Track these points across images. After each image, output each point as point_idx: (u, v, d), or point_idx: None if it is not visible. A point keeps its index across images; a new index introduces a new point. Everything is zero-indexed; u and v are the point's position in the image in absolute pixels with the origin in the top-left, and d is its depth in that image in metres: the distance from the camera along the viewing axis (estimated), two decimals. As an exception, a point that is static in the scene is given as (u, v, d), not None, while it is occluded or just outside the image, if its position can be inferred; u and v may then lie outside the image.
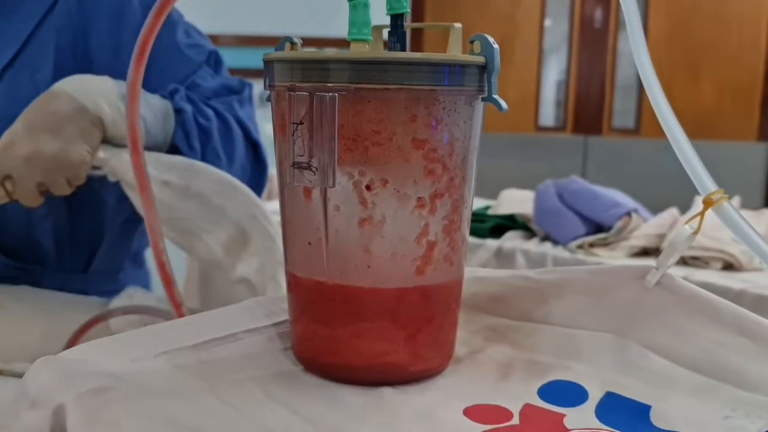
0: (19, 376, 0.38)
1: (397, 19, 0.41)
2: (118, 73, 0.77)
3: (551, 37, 3.70)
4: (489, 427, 0.36)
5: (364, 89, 0.36)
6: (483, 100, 0.40)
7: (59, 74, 0.74)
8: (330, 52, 0.37)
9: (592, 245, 1.54)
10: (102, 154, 0.69)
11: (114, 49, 0.80)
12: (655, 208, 1.68)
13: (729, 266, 1.39)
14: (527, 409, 0.38)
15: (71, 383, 0.33)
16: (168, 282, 0.56)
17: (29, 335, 0.72)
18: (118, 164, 0.69)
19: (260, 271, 0.70)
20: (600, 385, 0.41)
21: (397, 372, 0.40)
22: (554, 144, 3.58)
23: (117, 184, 0.70)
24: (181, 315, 0.56)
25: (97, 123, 0.69)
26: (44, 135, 0.67)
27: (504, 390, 0.40)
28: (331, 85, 0.36)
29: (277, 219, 0.51)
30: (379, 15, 0.42)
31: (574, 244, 1.55)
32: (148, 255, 0.96)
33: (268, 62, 0.40)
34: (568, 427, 0.37)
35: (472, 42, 0.39)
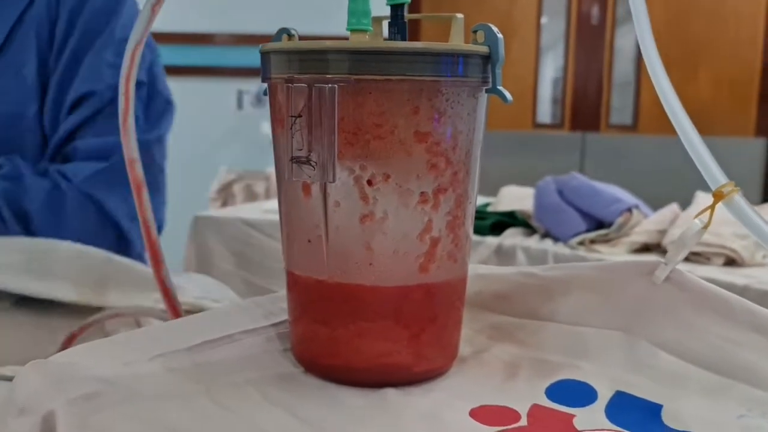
0: (10, 380, 0.37)
1: (397, 9, 0.40)
2: (80, 69, 0.74)
3: (548, 34, 3.69)
4: (496, 429, 0.35)
5: (364, 80, 0.35)
6: (487, 91, 0.39)
7: (43, 68, 0.73)
8: (329, 42, 0.35)
9: (593, 241, 1.53)
10: None
11: (85, 41, 0.78)
12: (653, 205, 1.67)
13: (731, 262, 1.38)
14: (535, 410, 0.37)
15: (61, 388, 0.32)
16: (162, 282, 0.55)
17: (21, 337, 0.71)
18: None
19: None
20: (609, 384, 0.40)
21: (400, 373, 0.39)
22: (552, 141, 3.57)
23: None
24: (177, 316, 0.55)
25: None
26: None
27: (511, 390, 0.39)
28: (330, 76, 0.35)
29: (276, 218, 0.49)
30: (379, 7, 0.40)
31: (574, 240, 1.54)
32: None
33: (264, 53, 0.38)
34: (578, 428, 0.35)
35: (475, 31, 0.38)
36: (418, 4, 3.44)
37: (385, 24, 0.42)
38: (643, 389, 0.39)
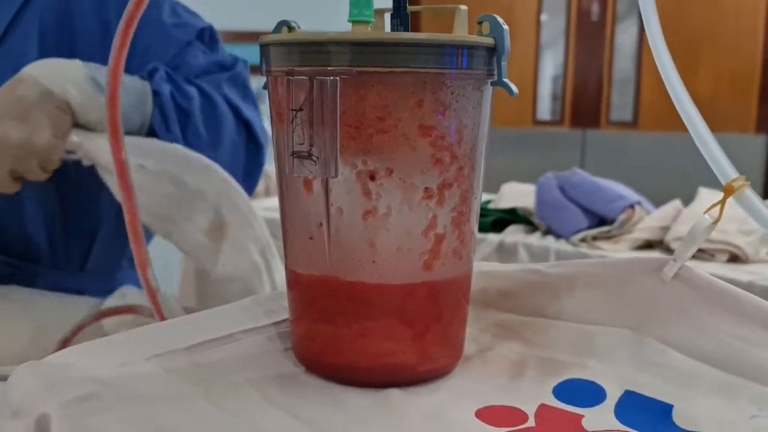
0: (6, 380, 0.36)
1: (399, 1, 0.39)
2: (104, 57, 0.75)
3: (548, 31, 3.68)
4: (503, 430, 0.34)
5: (367, 73, 0.34)
6: (492, 84, 0.38)
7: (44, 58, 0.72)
8: (330, 33, 0.34)
9: (595, 238, 1.53)
10: (75, 138, 0.68)
11: (99, 31, 0.78)
12: (654, 201, 1.66)
13: (735, 258, 1.37)
14: (543, 410, 0.36)
15: (56, 390, 0.31)
16: (144, 270, 0.54)
17: (18, 337, 0.70)
18: (91, 148, 0.67)
19: (243, 265, 0.68)
20: (618, 383, 0.39)
21: (405, 372, 0.38)
22: (552, 138, 3.56)
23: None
24: (162, 316, 0.54)
25: (65, 107, 0.67)
26: (10, 122, 0.65)
27: (517, 390, 0.38)
28: (332, 68, 0.34)
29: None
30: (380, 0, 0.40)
31: (576, 237, 1.53)
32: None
33: (264, 46, 0.37)
34: (587, 428, 0.35)
35: (480, 22, 0.37)
36: (418, 4, 3.43)
37: (387, 17, 0.41)
38: (652, 389, 0.38)
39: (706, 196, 1.52)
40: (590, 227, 1.55)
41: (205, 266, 0.69)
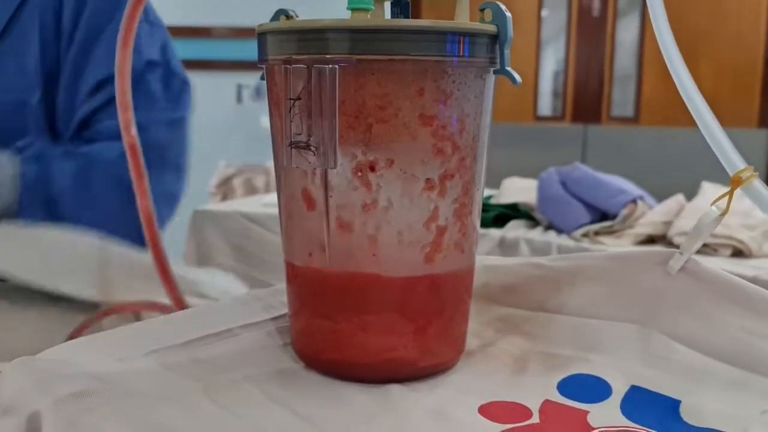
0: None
1: (400, -12, 0.38)
2: (95, 54, 0.74)
3: (549, 26, 3.67)
4: (507, 426, 0.33)
5: (366, 61, 0.33)
6: (495, 72, 0.37)
7: (45, 57, 0.72)
8: (329, 20, 0.34)
9: (597, 233, 1.52)
10: None
11: (94, 29, 0.78)
12: (655, 196, 1.65)
13: (738, 253, 1.36)
14: (547, 406, 0.35)
15: (49, 387, 0.30)
16: (164, 271, 0.53)
17: (20, 334, 0.69)
18: None
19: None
20: (623, 378, 0.38)
21: (406, 368, 0.37)
22: (553, 133, 3.55)
23: None
24: (181, 308, 0.53)
25: None
26: None
27: (521, 385, 0.38)
28: (330, 56, 0.33)
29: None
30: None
31: (578, 232, 1.52)
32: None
33: (261, 34, 0.36)
34: (593, 424, 0.34)
35: (482, 10, 0.36)
36: (418, -2, 3.42)
37: (387, 6, 0.40)
38: (659, 384, 0.37)
39: (710, 190, 1.51)
40: (592, 222, 1.54)
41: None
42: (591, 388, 0.37)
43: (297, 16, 0.39)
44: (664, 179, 2.11)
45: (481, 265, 0.47)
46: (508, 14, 0.36)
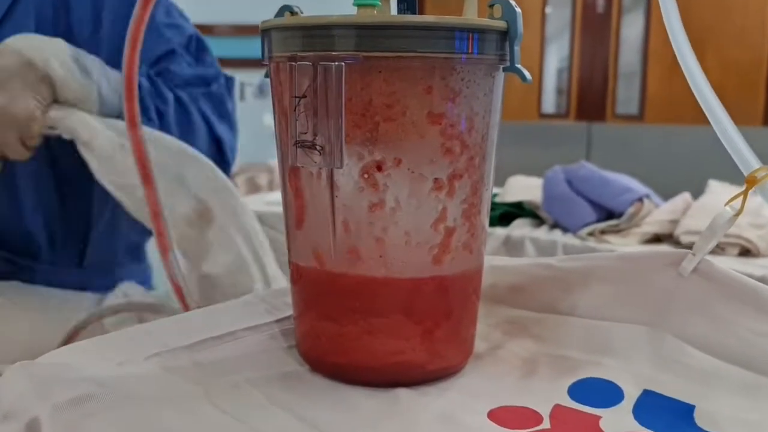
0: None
1: (406, -16, 0.37)
2: (98, 48, 0.74)
3: (553, 23, 3.65)
4: (518, 431, 0.32)
5: (373, 58, 0.32)
6: (505, 70, 0.36)
7: None
8: (335, 16, 0.33)
9: (603, 232, 1.51)
10: (54, 113, 0.67)
11: (93, 23, 0.77)
12: (660, 194, 1.64)
13: (746, 252, 1.35)
14: (558, 411, 0.35)
15: (48, 392, 0.30)
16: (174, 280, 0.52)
17: (18, 335, 0.69)
18: (72, 122, 0.66)
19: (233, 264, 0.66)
20: (636, 382, 0.37)
21: (413, 371, 0.37)
22: (557, 131, 3.54)
23: None
24: (187, 309, 0.52)
25: (46, 80, 0.66)
26: None
27: (531, 389, 0.37)
28: (336, 53, 0.32)
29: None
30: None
31: (584, 231, 1.51)
32: (150, 249, 0.93)
33: (265, 31, 0.36)
34: (605, 430, 0.33)
35: (491, 6, 0.35)
36: (422, -6, 3.40)
37: (394, 2, 0.40)
38: (672, 388, 0.37)
39: (717, 188, 1.50)
40: (598, 221, 1.53)
41: (190, 260, 0.68)
42: (602, 393, 0.37)
43: (302, 12, 0.38)
44: (669, 177, 2.10)
45: (488, 266, 0.46)
46: (518, 10, 0.35)
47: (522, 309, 0.46)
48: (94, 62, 0.70)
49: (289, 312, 0.42)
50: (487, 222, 0.39)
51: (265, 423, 0.32)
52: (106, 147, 0.64)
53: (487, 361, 0.40)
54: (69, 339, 0.66)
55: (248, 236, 0.70)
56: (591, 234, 1.51)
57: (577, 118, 3.62)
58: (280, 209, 0.40)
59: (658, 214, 1.48)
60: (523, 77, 0.35)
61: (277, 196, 1.94)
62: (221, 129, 0.81)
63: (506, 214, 1.70)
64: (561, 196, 1.55)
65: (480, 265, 0.39)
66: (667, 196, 1.60)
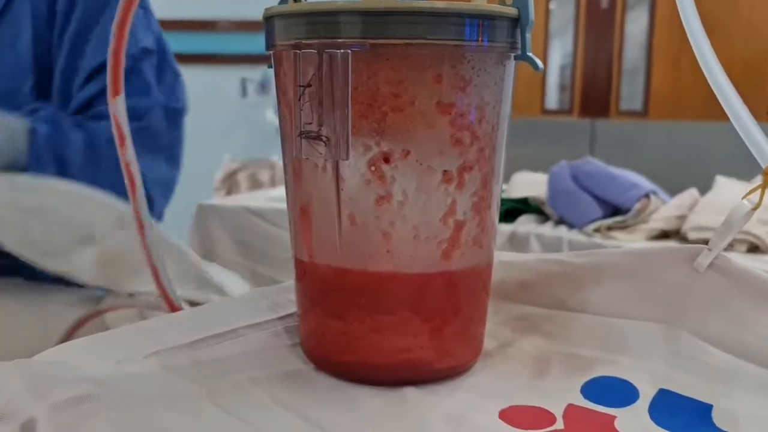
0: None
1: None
2: (91, 41, 0.73)
3: (557, 19, 3.63)
4: (531, 432, 0.31)
5: (381, 45, 0.31)
6: (516, 58, 0.35)
7: (38, 42, 0.70)
8: (341, 2, 0.32)
9: (609, 228, 1.49)
10: None
11: (87, 15, 0.76)
12: (666, 191, 1.62)
13: (754, 248, 1.33)
14: (571, 411, 0.33)
15: (45, 391, 0.29)
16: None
17: (19, 332, 0.68)
18: None
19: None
20: (651, 381, 0.36)
21: (422, 370, 0.35)
22: (561, 128, 3.52)
23: None
24: (173, 309, 0.51)
25: None
26: None
27: (543, 388, 0.36)
28: (342, 40, 0.31)
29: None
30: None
31: (590, 227, 1.50)
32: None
33: (268, 18, 0.34)
34: (621, 430, 0.32)
35: (502, -9, 0.34)
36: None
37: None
38: (689, 387, 0.35)
39: (725, 184, 1.48)
40: (604, 217, 1.51)
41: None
42: (617, 392, 0.35)
43: None
44: (673, 173, 2.08)
45: (497, 262, 0.45)
46: (530, -5, 0.34)
47: (531, 305, 0.45)
48: None
49: (293, 309, 0.41)
50: (497, 216, 0.38)
51: (269, 423, 0.31)
52: None
53: (497, 359, 0.39)
54: (70, 334, 0.65)
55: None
56: (597, 230, 1.49)
57: (580, 115, 3.60)
58: (282, 205, 0.39)
59: (665, 210, 1.47)
60: (535, 66, 0.34)
61: (278, 192, 1.93)
62: (144, 165, 0.79)
63: (512, 210, 1.69)
64: (566, 191, 1.54)
65: (490, 261, 0.38)
66: (671, 192, 1.59)
